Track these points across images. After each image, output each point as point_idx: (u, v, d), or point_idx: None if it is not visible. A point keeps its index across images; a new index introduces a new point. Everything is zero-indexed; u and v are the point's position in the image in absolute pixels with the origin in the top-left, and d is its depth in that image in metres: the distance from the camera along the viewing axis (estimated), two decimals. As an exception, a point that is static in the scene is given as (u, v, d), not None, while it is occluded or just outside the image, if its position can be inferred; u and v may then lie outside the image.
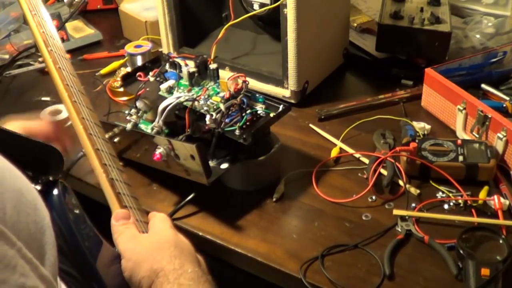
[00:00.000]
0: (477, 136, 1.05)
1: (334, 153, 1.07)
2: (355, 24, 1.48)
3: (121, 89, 1.26)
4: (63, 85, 0.78)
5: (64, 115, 1.20)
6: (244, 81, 0.97)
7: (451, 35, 1.27)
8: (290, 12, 1.10)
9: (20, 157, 0.58)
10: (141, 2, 1.54)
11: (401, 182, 0.98)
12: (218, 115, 0.93)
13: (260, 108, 0.98)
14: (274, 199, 0.97)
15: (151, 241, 0.69)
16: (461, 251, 0.82)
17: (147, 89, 1.02)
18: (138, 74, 1.05)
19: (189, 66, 1.03)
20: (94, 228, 0.72)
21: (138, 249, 0.67)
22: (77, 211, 0.71)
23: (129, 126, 1.00)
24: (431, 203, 0.95)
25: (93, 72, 1.39)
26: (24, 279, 0.47)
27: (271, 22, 1.28)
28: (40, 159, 0.74)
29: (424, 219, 0.92)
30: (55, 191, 0.71)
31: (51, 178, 0.72)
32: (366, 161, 1.05)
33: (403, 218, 0.92)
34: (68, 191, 0.73)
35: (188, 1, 1.32)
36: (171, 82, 1.02)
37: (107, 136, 1.03)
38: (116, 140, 1.03)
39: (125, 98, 1.26)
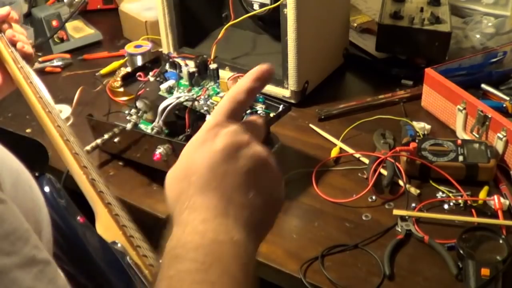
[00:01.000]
0: (477, 136, 1.05)
1: (334, 153, 1.07)
2: (355, 24, 1.48)
3: (121, 89, 1.26)
4: (36, 98, 0.80)
5: (64, 115, 1.21)
6: (244, 81, 0.97)
7: (451, 35, 1.27)
8: (290, 12, 1.10)
9: None
10: (141, 2, 1.54)
11: (401, 182, 0.98)
12: (218, 115, 0.93)
13: (260, 108, 0.98)
14: (274, 199, 0.97)
15: (181, 162, 0.56)
16: (461, 251, 0.82)
17: (147, 89, 1.02)
18: (138, 74, 1.05)
19: (189, 66, 1.03)
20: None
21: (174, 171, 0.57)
22: (66, 204, 0.72)
23: (129, 126, 1.00)
24: (431, 203, 0.95)
25: (93, 72, 1.39)
26: (36, 251, 0.48)
27: (271, 22, 1.28)
28: (25, 155, 0.74)
29: (424, 219, 0.92)
30: (44, 186, 0.72)
31: (37, 174, 0.72)
32: (366, 161, 1.05)
33: (403, 218, 0.92)
34: (55, 185, 0.73)
35: (188, 1, 1.32)
36: (171, 82, 1.02)
37: (106, 136, 1.03)
38: (116, 140, 1.03)
39: (125, 98, 1.26)
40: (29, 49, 0.95)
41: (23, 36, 0.96)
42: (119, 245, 0.66)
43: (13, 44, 0.93)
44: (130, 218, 0.71)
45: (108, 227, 0.69)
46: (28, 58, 0.94)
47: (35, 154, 0.76)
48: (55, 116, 0.78)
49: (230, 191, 0.50)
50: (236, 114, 0.56)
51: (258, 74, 0.56)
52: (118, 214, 0.69)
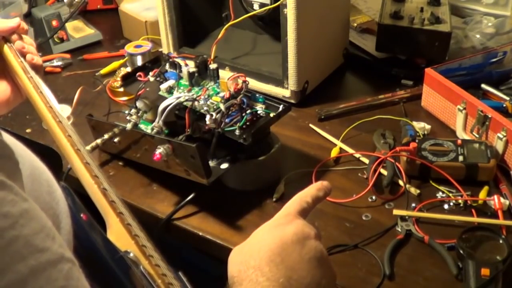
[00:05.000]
0: (477, 136, 1.05)
1: (334, 153, 1.07)
2: (355, 24, 1.48)
3: (121, 89, 1.26)
4: (46, 108, 0.80)
5: (64, 115, 1.21)
6: (244, 81, 0.97)
7: (451, 35, 1.27)
8: (290, 12, 1.10)
9: None
10: (141, 2, 1.54)
11: (401, 182, 0.98)
12: (218, 115, 0.93)
13: (260, 108, 0.98)
14: (274, 199, 0.97)
15: (252, 239, 0.66)
16: (461, 251, 0.82)
17: (147, 89, 1.02)
18: (138, 74, 1.05)
19: (189, 66, 1.03)
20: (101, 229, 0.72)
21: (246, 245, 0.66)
22: (83, 213, 0.72)
23: (129, 126, 1.00)
24: (431, 203, 0.95)
25: (93, 72, 1.39)
26: (63, 250, 0.48)
27: (271, 22, 1.28)
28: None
29: (424, 219, 0.92)
30: None
31: None
32: (366, 161, 1.05)
33: (403, 218, 0.92)
34: (71, 193, 0.73)
35: (188, 1, 1.32)
36: (171, 82, 1.02)
37: (106, 136, 1.03)
38: (116, 140, 1.03)
39: (125, 98, 1.26)
40: (38, 60, 0.95)
41: (33, 48, 0.96)
42: (131, 254, 0.66)
43: (23, 55, 0.93)
44: (141, 227, 0.71)
45: (120, 236, 0.69)
46: (37, 69, 0.94)
47: (47, 161, 0.76)
48: (65, 126, 0.79)
49: (292, 271, 0.60)
50: (304, 212, 0.68)
51: (320, 186, 0.70)
52: (130, 223, 0.69)
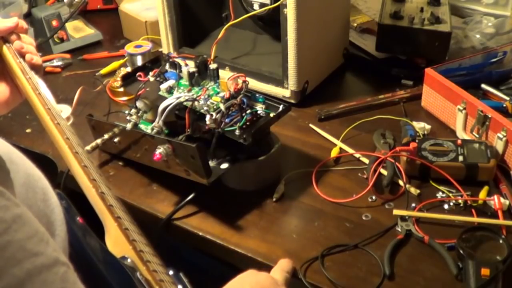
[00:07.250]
0: (477, 136, 1.05)
1: (334, 153, 1.07)
2: (355, 24, 1.48)
3: (121, 89, 1.26)
4: (45, 109, 0.79)
5: (64, 115, 1.21)
6: (244, 81, 0.97)
7: (451, 35, 1.27)
8: (290, 12, 1.10)
9: None
10: (141, 2, 1.54)
11: (401, 182, 0.98)
12: (218, 115, 0.93)
13: (260, 108, 0.98)
14: (274, 199, 0.97)
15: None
16: (461, 251, 0.82)
17: (147, 89, 1.02)
18: (138, 74, 1.05)
19: (189, 66, 1.03)
20: (97, 238, 0.72)
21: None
22: (78, 218, 0.72)
23: (129, 126, 1.00)
24: (431, 203, 0.95)
25: (93, 72, 1.39)
26: (57, 254, 0.49)
27: (271, 22, 1.28)
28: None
29: (424, 219, 0.92)
30: None
31: None
32: (366, 161, 1.05)
33: (403, 218, 0.92)
34: (65, 199, 0.73)
35: (188, 1, 1.32)
36: (171, 82, 1.02)
37: (106, 136, 1.03)
38: (116, 140, 1.03)
39: (125, 98, 1.26)
40: (38, 60, 0.94)
41: (32, 47, 0.95)
42: (129, 260, 0.66)
43: (22, 55, 0.93)
44: (139, 231, 0.71)
45: (118, 241, 0.68)
46: (37, 69, 0.93)
47: (43, 169, 0.76)
48: (63, 128, 0.78)
49: None
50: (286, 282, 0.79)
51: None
52: (128, 228, 0.69)
